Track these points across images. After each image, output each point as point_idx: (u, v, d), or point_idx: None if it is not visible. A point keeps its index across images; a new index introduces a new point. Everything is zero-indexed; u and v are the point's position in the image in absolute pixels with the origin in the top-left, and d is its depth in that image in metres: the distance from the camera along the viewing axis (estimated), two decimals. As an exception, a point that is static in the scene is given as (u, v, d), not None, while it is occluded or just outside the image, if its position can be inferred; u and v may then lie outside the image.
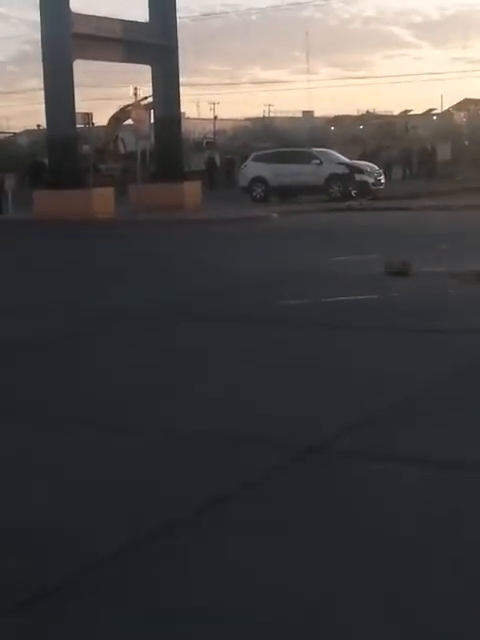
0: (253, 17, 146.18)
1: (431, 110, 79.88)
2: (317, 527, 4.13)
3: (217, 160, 50.01)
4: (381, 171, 36.06)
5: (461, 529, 4.06)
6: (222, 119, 74.49)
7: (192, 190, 30.54)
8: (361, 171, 34.24)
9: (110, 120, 49.18)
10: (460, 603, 3.40)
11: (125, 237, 21.69)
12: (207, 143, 58.84)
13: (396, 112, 77.28)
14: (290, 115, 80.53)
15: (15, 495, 4.66)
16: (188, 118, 58.47)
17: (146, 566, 3.78)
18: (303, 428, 5.57)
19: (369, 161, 37.94)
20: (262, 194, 34.25)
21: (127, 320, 9.69)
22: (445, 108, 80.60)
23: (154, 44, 29.64)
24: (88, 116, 41.70)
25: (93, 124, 45.86)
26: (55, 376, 7.32)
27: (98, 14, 29.47)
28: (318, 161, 33.92)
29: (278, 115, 79.66)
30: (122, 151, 49.01)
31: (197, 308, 10.38)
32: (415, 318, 9.22)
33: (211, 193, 34.33)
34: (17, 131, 63.86)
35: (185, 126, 39.38)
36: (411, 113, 76.92)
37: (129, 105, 42.31)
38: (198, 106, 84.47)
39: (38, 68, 28.00)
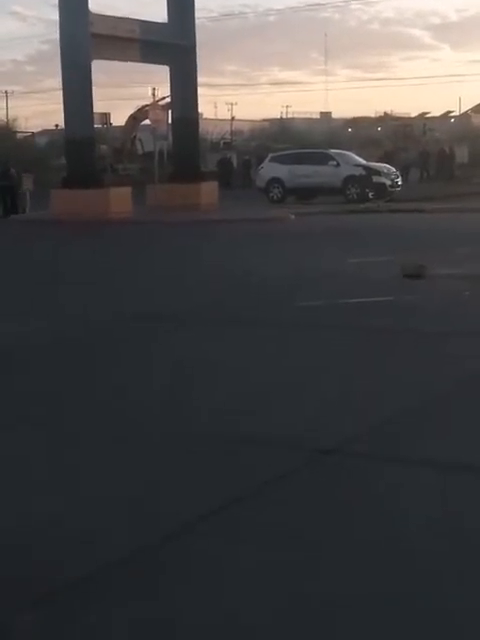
0: (271, 18, 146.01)
1: (449, 112, 79.64)
2: (329, 531, 4.13)
3: (234, 161, 50.03)
4: (398, 173, 35.96)
5: (475, 534, 4.05)
6: (240, 120, 74.46)
7: (209, 190, 30.55)
8: (378, 173, 34.17)
9: (128, 120, 49.28)
10: (467, 605, 3.40)
11: (142, 237, 21.73)
12: (224, 144, 58.87)
13: (414, 114, 77.07)
14: (308, 116, 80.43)
15: (24, 500, 4.68)
16: (206, 119, 58.45)
17: (166, 565, 3.79)
18: (318, 431, 5.57)
19: (387, 163, 37.85)
20: (279, 195, 34.23)
21: (147, 322, 9.70)
22: (463, 110, 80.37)
23: (172, 44, 29.67)
24: (106, 116, 41.87)
25: (111, 124, 46.02)
26: (76, 377, 7.34)
27: (117, 14, 29.56)
28: (335, 163, 33.87)
29: (296, 116, 79.59)
30: (140, 151, 49.11)
31: (213, 310, 10.38)
32: (431, 321, 9.20)
33: (227, 193, 34.29)
34: (35, 131, 64.10)
35: (203, 127, 39.40)
36: (429, 115, 76.67)
37: (147, 105, 42.41)
38: (216, 107, 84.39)
39: (56, 68, 28.12)
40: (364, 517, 4.26)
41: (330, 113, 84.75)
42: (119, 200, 26.90)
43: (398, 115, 76.55)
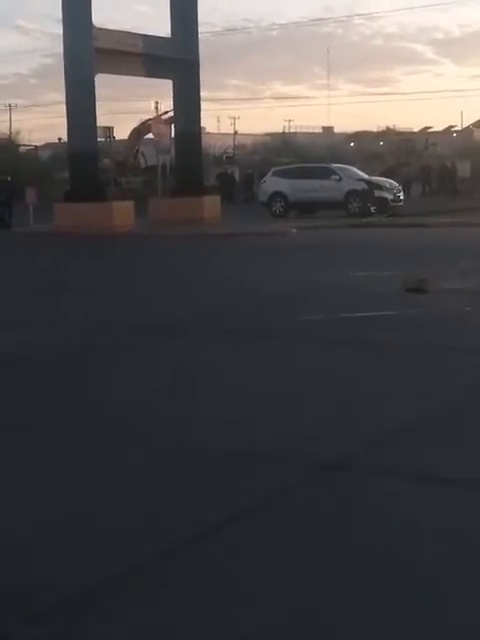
0: (274, 32, 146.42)
1: (451, 127, 79.88)
2: (334, 543, 4.13)
3: (236, 175, 50.12)
4: (400, 188, 36.03)
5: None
6: (242, 134, 74.67)
7: (212, 204, 30.60)
8: (380, 187, 34.23)
9: (131, 134, 49.37)
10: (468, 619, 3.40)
11: (144, 251, 21.76)
12: (227, 158, 58.97)
13: (416, 129, 77.29)
14: (310, 131, 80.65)
15: (29, 509, 4.69)
16: (208, 133, 58.67)
17: (168, 578, 3.80)
18: (321, 445, 5.58)
19: (389, 178, 37.93)
20: (281, 209, 34.28)
21: (148, 333, 9.72)
22: (465, 125, 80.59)
23: (176, 59, 29.78)
24: (109, 130, 41.90)
25: (114, 137, 46.10)
26: (75, 388, 7.35)
27: (120, 29, 29.69)
28: (338, 177, 33.94)
29: (298, 130, 79.78)
30: (142, 165, 49.16)
31: (217, 322, 10.40)
32: (433, 335, 9.21)
33: (230, 208, 34.36)
34: (38, 144, 64.27)
35: (205, 141, 39.53)
36: (431, 130, 76.86)
37: (150, 119, 42.51)
38: (219, 121, 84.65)
39: (59, 81, 28.22)
40: (362, 530, 4.26)
41: (332, 128, 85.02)
42: (122, 214, 26.96)
43: (400, 130, 76.76)
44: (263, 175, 38.57)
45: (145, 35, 30.06)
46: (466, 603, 3.54)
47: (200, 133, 31.96)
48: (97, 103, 27.79)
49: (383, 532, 4.23)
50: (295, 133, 77.40)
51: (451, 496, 4.73)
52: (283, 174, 35.51)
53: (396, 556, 3.97)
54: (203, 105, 31.42)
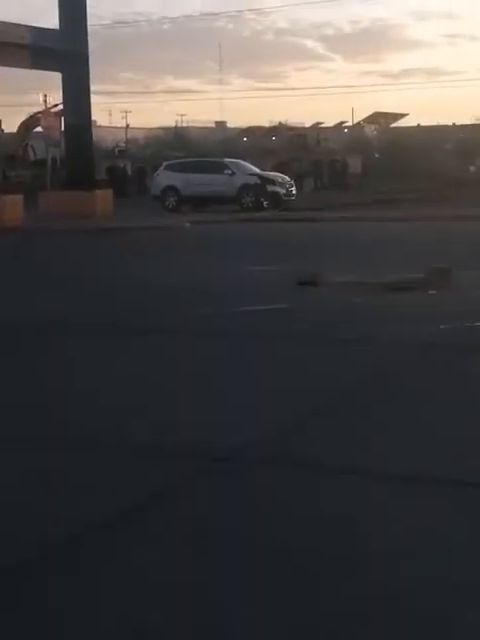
0: (166, 26, 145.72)
1: (342, 123, 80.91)
2: (223, 537, 4.05)
3: (129, 169, 49.75)
4: (292, 182, 36.33)
5: (368, 536, 4.03)
6: (135, 128, 74.14)
7: (103, 198, 30.26)
8: (273, 182, 34.47)
9: (19, 127, 48.54)
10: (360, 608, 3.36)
11: (33, 246, 21.33)
12: (119, 151, 58.50)
13: (308, 124, 78.04)
14: (203, 125, 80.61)
15: None
16: (100, 126, 58.00)
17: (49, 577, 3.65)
18: (214, 438, 5.50)
19: (281, 172, 38.19)
20: (174, 203, 34.18)
21: (33, 331, 9.47)
22: (356, 121, 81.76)
23: (64, 51, 29.31)
24: (-3, 122, 41.03)
25: (2, 130, 45.22)
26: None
27: (6, 20, 29.07)
28: (230, 171, 34.03)
29: (191, 125, 79.66)
30: (32, 158, 48.35)
31: (107, 319, 10.21)
32: (323, 327, 9.25)
33: (122, 202, 34.03)
34: None
35: (97, 134, 39.05)
36: (323, 125, 77.74)
37: (39, 112, 41.78)
38: (110, 114, 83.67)
39: None
40: (252, 521, 4.20)
41: (225, 122, 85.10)
42: (11, 208, 26.44)
43: (292, 125, 77.40)
44: (156, 169, 38.39)
45: (33, 27, 29.52)
46: (335, 589, 3.49)
47: (91, 126, 31.57)
48: (-16, 95, 27.17)
49: (260, 521, 4.17)
50: (188, 127, 77.24)
51: (335, 486, 4.70)
52: (176, 168, 35.42)
53: (271, 546, 3.91)
54: (94, 98, 31.18)
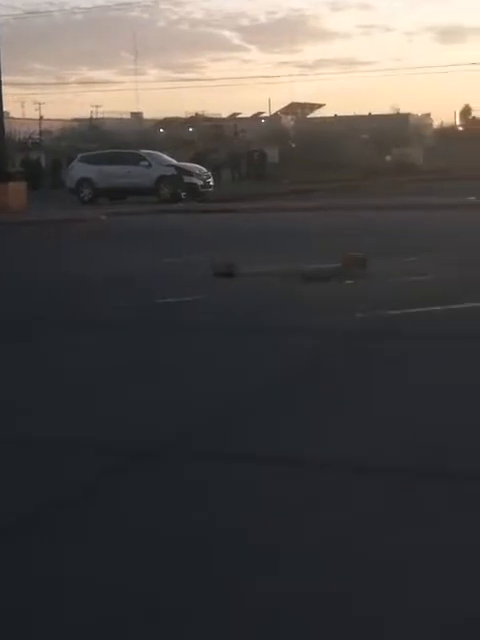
0: (79, 16, 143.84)
1: (259, 113, 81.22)
2: (143, 530, 3.92)
3: (43, 161, 49.07)
4: (210, 174, 36.23)
5: (295, 526, 3.94)
6: (49, 119, 73.23)
7: (17, 191, 29.67)
8: (190, 173, 34.32)
9: None
10: (284, 602, 3.26)
11: None
12: (33, 143, 57.68)
13: (225, 115, 78.14)
14: (119, 116, 79.95)
15: None
16: (12, 118, 56.97)
17: None
18: (134, 432, 5.37)
19: (198, 164, 38.05)
20: (90, 196, 33.80)
21: None
22: (273, 112, 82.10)
23: (-26, 41, 28.68)
24: None
25: None
26: None
27: None
28: (147, 163, 33.78)
29: (106, 116, 78.92)
30: None
31: (22, 314, 9.97)
32: (238, 319, 9.17)
33: (37, 194, 33.50)
34: None
35: (9, 126, 38.33)
36: (240, 116, 77.93)
37: None
38: (23, 106, 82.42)
39: None
40: (173, 514, 4.08)
41: (141, 113, 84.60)
42: None
43: (209, 116, 77.37)
44: (71, 161, 37.89)
45: None
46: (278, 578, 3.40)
47: (2, 117, 30.91)
48: None
49: (180, 517, 4.06)
50: (103, 119, 76.54)
51: (267, 475, 4.60)
52: (91, 160, 35.01)
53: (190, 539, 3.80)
54: (5, 89, 30.53)
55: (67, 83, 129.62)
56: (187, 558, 3.72)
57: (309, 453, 5.00)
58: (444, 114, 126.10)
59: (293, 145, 59.51)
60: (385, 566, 3.60)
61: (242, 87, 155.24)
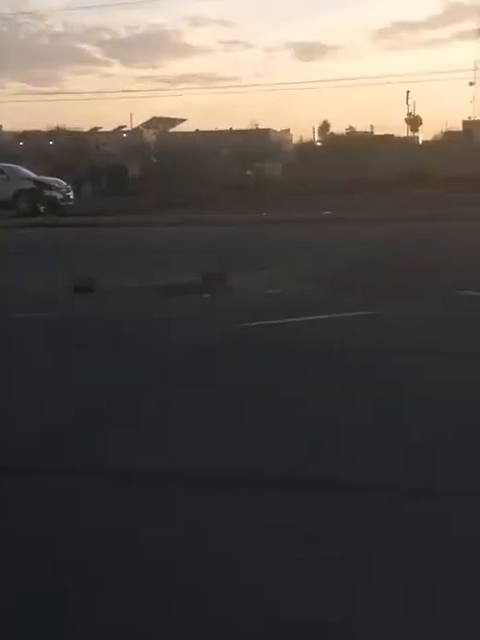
0: None
1: (121, 127, 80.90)
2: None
3: None
4: (70, 187, 35.96)
5: (137, 543, 4.02)
6: None
7: None
8: (50, 187, 34.01)
9: None
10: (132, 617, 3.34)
11: None
12: None
13: (86, 128, 77.44)
14: (-23, 129, 78.24)
15: None
16: None
17: None
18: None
19: (58, 177, 37.70)
20: None
21: None
22: (135, 126, 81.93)
23: None
24: None
25: None
26: None
27: None
28: (5, 176, 33.32)
29: (-36, 129, 77.14)
30: None
31: None
32: (96, 333, 9.19)
33: None
34: None
35: None
36: (101, 130, 77.44)
37: None
38: None
39: None
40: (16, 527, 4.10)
41: (0, 126, 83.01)
42: None
43: (71, 129, 76.56)
44: None
45: None
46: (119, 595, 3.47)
47: None
48: None
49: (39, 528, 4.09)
50: (-40, 131, 74.80)
51: (116, 489, 4.66)
52: None
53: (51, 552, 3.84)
54: None
55: None
56: None
57: (161, 465, 5.09)
58: (303, 130, 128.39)
59: (154, 160, 59.57)
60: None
61: (104, 101, 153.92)
